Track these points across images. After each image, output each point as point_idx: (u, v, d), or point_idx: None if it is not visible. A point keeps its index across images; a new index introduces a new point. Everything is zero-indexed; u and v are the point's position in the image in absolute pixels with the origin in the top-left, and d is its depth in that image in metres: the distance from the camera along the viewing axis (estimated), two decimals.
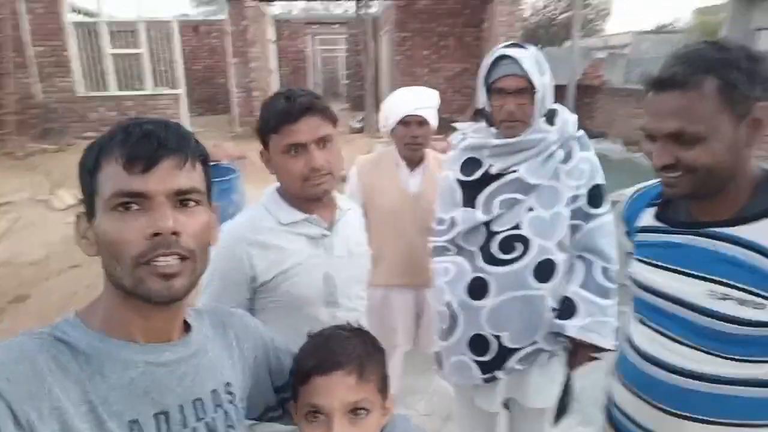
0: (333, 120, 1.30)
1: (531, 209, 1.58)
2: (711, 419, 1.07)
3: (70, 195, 7.06)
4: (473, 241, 1.63)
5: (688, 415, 1.09)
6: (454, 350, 1.67)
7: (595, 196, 1.62)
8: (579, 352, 1.65)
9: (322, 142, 1.26)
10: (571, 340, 1.59)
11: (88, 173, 0.71)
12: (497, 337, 1.60)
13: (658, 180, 1.11)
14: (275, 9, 16.29)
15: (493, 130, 1.64)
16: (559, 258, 1.58)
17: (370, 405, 0.89)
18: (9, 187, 6.98)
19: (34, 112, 9.16)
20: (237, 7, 10.43)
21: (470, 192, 1.64)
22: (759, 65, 0.97)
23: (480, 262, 1.61)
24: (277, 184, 1.36)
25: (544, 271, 1.57)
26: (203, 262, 0.75)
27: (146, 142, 0.69)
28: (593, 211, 1.61)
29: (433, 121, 2.13)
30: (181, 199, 0.71)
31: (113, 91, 9.73)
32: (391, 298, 2.20)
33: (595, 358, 1.73)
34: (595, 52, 15.90)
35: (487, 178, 1.62)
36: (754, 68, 0.96)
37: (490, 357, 1.61)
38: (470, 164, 1.65)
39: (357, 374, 0.87)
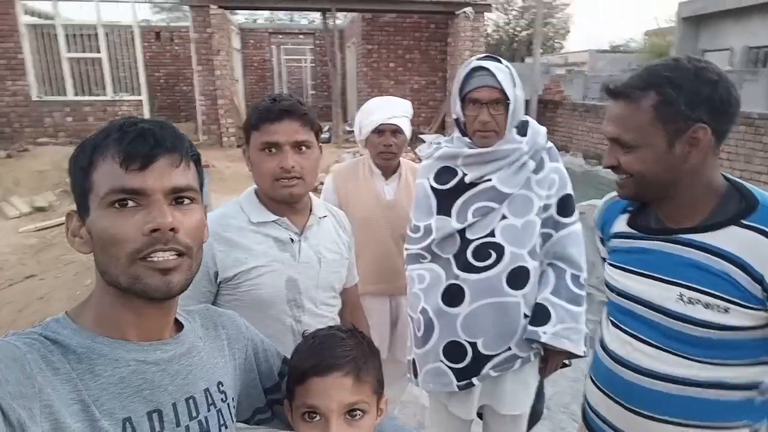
0: (314, 128, 1.33)
1: (504, 217, 1.61)
2: (679, 421, 1.11)
3: (23, 202, 6.77)
4: (448, 248, 1.65)
5: (656, 416, 1.12)
6: (430, 357, 1.67)
7: (565, 206, 1.67)
8: (551, 359, 1.68)
9: (299, 146, 1.29)
10: (544, 346, 1.62)
11: (82, 171, 0.71)
12: (473, 344, 1.62)
13: None
14: (240, 17, 16.17)
15: (466, 139, 1.67)
16: (532, 265, 1.62)
17: (366, 406, 0.90)
18: None
19: None
20: (201, 14, 10.32)
21: (445, 200, 1.66)
22: (704, 87, 1.01)
23: (455, 269, 1.63)
24: (255, 186, 1.39)
25: (518, 277, 1.60)
26: (198, 259, 0.76)
27: (143, 140, 0.70)
28: (563, 219, 1.66)
29: (407, 130, 2.15)
30: (177, 196, 0.72)
31: (71, 96, 9.43)
32: (366, 306, 2.19)
33: (566, 365, 1.77)
34: (554, 69, 16.45)
35: (462, 187, 1.64)
36: (697, 89, 1.01)
37: (466, 363, 1.63)
38: (445, 173, 1.68)
39: (354, 376, 0.88)
